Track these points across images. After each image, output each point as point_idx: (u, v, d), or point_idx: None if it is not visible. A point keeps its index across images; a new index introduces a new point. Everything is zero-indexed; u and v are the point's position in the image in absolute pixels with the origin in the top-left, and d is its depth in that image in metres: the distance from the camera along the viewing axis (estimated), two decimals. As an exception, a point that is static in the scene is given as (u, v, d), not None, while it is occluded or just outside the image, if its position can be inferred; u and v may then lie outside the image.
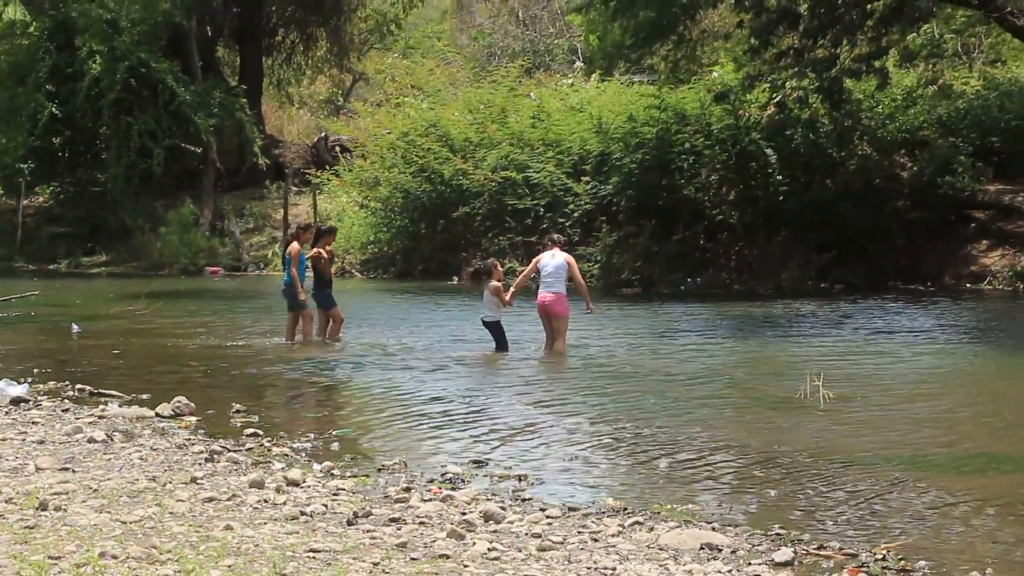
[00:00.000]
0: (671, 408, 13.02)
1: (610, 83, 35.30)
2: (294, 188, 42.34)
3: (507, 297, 17.64)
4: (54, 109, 40.42)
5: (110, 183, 40.81)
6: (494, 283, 17.65)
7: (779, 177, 29.15)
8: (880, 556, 7.32)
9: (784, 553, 7.31)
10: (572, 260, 17.72)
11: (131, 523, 7.62)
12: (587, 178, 31.71)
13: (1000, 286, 27.26)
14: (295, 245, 18.77)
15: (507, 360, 17.02)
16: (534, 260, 18.11)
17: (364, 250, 36.05)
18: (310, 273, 19.07)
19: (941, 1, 27.79)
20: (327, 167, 40.73)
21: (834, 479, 9.51)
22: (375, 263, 35.47)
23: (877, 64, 26.33)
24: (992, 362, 16.89)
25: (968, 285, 27.65)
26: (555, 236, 18.66)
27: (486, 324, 17.79)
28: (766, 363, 16.71)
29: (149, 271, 37.70)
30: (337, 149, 42.78)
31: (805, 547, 7.55)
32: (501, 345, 17.64)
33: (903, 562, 7.20)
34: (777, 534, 7.85)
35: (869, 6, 25.58)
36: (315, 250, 18.89)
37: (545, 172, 32.24)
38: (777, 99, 27.74)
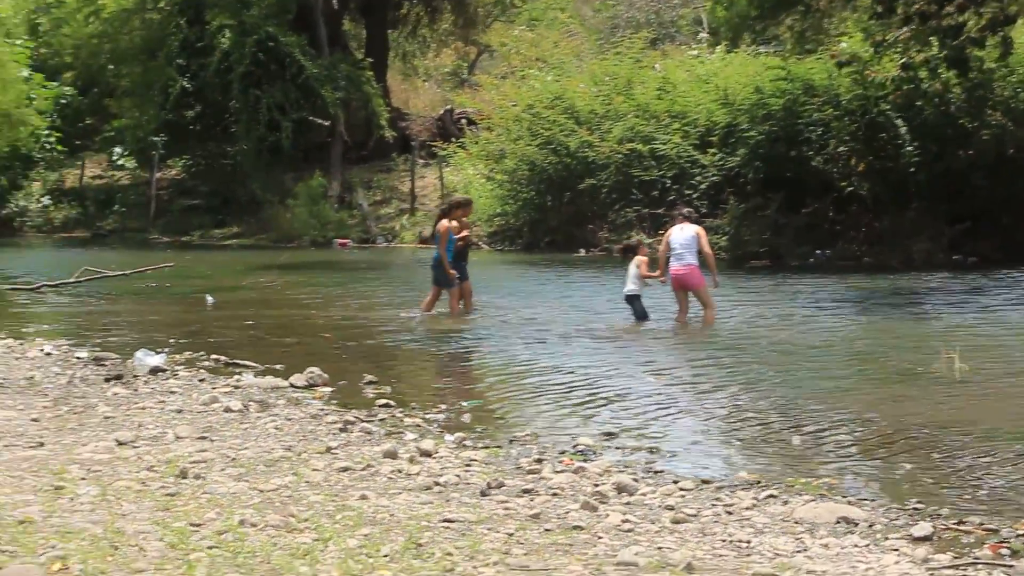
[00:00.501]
0: (802, 381, 12.92)
1: (736, 54, 34.98)
2: (420, 161, 42.55)
3: (655, 273, 17.73)
4: (185, 83, 41.03)
5: (240, 156, 41.40)
6: (639, 257, 17.78)
7: (910, 148, 28.69)
8: (1022, 532, 7.20)
9: (922, 527, 7.22)
10: (702, 231, 17.72)
11: (268, 492, 7.73)
12: (714, 150, 31.48)
13: None
14: (444, 223, 18.73)
15: (638, 333, 17.01)
16: (665, 235, 18.08)
17: (491, 222, 36.13)
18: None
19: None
20: (453, 140, 40.85)
21: (972, 453, 9.37)
22: (502, 235, 35.55)
23: (1002, 33, 25.77)
24: None
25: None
26: (684, 210, 18.66)
27: (627, 297, 17.83)
28: (899, 336, 16.49)
29: (279, 243, 38.14)
30: (463, 122, 42.90)
31: (944, 522, 7.44)
32: (640, 316, 17.71)
33: (1045, 538, 7.08)
34: (915, 508, 7.76)
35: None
36: (464, 233, 18.91)
37: (671, 144, 32.07)
38: (903, 61, 27.22)
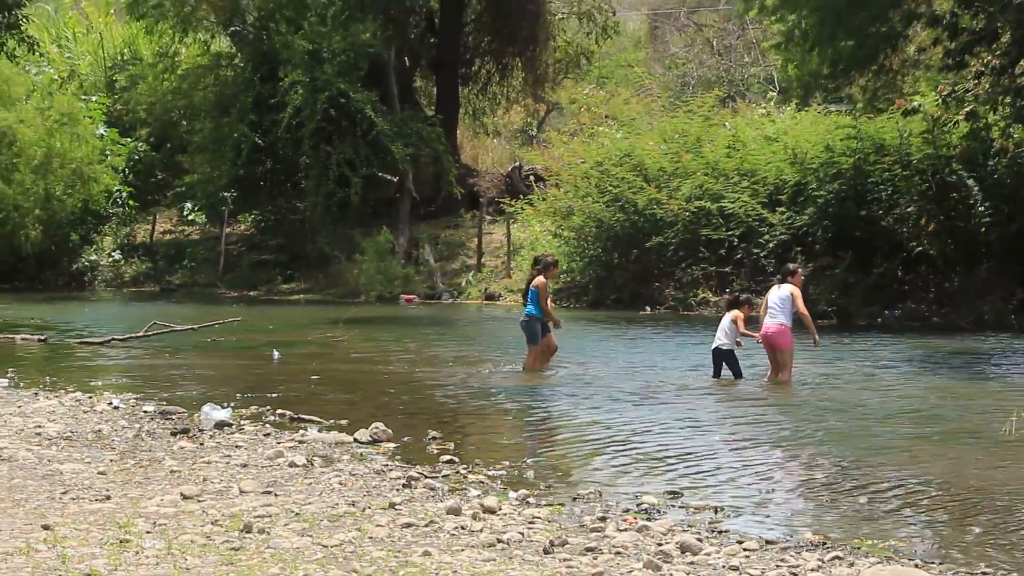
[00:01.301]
0: (869, 442, 12.81)
1: (806, 113, 34.92)
2: (488, 217, 42.67)
3: (753, 333, 17.79)
4: (257, 139, 41.43)
5: (309, 211, 41.63)
6: (736, 312, 17.87)
7: (981, 208, 28.48)
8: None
9: (990, 593, 7.13)
10: (796, 291, 17.59)
11: (332, 547, 7.75)
12: (782, 208, 31.37)
13: None
14: (542, 279, 18.89)
15: (705, 391, 16.94)
16: (767, 294, 18.10)
17: (557, 279, 36.10)
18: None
19: None
20: (521, 196, 40.93)
21: (1041, 519, 9.26)
22: (568, 292, 35.50)
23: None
24: None
25: None
26: (790, 266, 18.58)
27: (719, 351, 17.86)
28: (968, 398, 16.32)
29: (346, 298, 38.26)
30: (531, 178, 43.02)
31: (1012, 588, 7.36)
32: (722, 371, 17.84)
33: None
34: (983, 573, 7.66)
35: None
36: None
37: (740, 202, 31.98)
38: (968, 109, 27.07)
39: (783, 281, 17.82)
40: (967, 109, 27.11)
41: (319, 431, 13.06)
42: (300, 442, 12.23)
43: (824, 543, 8.43)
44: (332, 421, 13.75)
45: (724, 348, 17.83)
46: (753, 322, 18.28)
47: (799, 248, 30.39)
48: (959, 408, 15.39)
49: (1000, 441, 12.49)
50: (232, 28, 43.92)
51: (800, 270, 18.38)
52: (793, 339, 17.46)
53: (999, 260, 28.45)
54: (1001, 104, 26.69)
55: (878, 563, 7.83)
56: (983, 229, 28.38)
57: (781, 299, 17.49)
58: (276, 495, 9.46)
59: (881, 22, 29.15)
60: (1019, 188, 28.66)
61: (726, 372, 17.90)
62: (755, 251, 31.15)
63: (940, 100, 27.86)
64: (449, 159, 42.56)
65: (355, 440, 12.44)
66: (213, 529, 8.16)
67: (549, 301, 18.90)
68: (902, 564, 7.82)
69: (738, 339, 17.86)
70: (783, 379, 17.40)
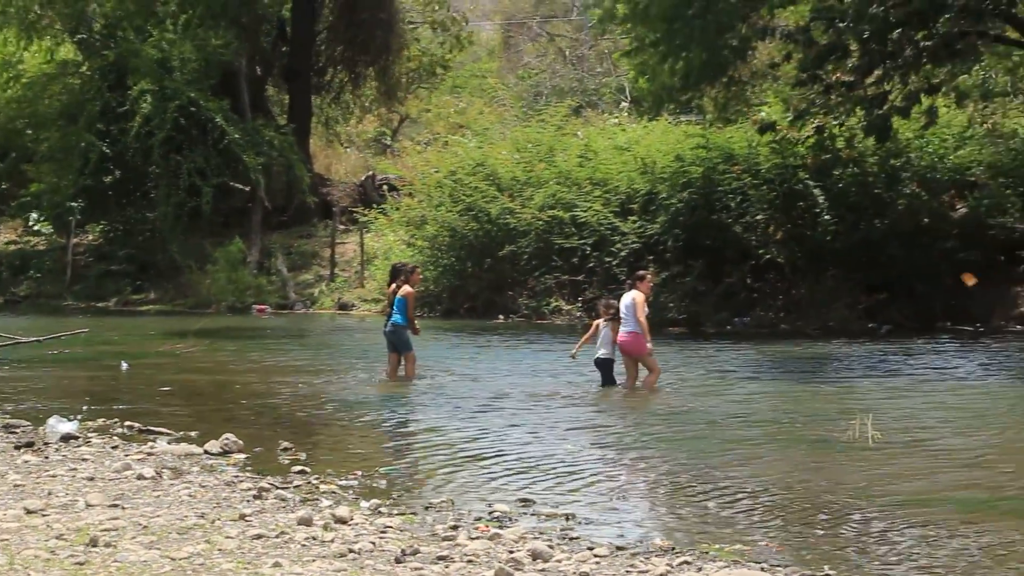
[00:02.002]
0: (718, 448, 12.98)
1: (657, 123, 35.30)
2: (341, 226, 42.46)
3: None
4: (105, 148, 40.77)
5: (159, 221, 41.07)
6: (615, 322, 17.82)
7: (827, 217, 29.05)
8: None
9: (833, 594, 7.27)
10: (639, 297, 17.67)
11: (180, 560, 7.66)
12: (634, 217, 31.66)
13: (1050, 327, 27.04)
14: (409, 288, 18.91)
15: (555, 398, 17.00)
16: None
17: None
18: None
19: (993, 41, 27.62)
20: (374, 205, 40.80)
21: (883, 521, 9.46)
22: (421, 301, 35.28)
23: (926, 102, 26.21)
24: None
25: (1018, 327, 27.41)
26: (639, 272, 18.72)
27: (598, 361, 17.92)
28: (814, 404, 16.61)
29: (197, 309, 37.84)
30: (384, 188, 42.86)
31: (854, 589, 7.51)
32: (608, 382, 17.83)
33: (954, 605, 7.15)
34: (826, 574, 7.81)
35: (922, 44, 25.38)
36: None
37: (592, 211, 32.21)
38: (816, 124, 27.59)
39: (632, 287, 17.96)
40: (815, 124, 27.62)
41: (168, 443, 12.91)
42: (149, 454, 12.07)
43: (673, 548, 8.53)
44: (182, 432, 13.59)
45: (603, 357, 17.91)
46: None
47: (651, 257, 30.67)
48: (805, 414, 15.65)
49: (845, 446, 12.72)
50: (79, 36, 43.20)
51: (649, 276, 18.54)
52: (646, 342, 17.59)
53: (844, 268, 29.02)
54: (850, 115, 27.18)
55: (725, 567, 7.94)
56: (829, 237, 28.96)
57: (626, 306, 17.64)
58: (124, 508, 9.32)
59: (730, 34, 29.53)
60: (863, 197, 29.30)
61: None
62: (607, 260, 31.37)
63: (791, 115, 28.34)
64: (302, 168, 42.30)
65: (205, 451, 12.31)
66: (58, 544, 8.02)
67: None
68: (748, 568, 7.93)
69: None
70: (650, 380, 17.56)
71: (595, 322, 18.29)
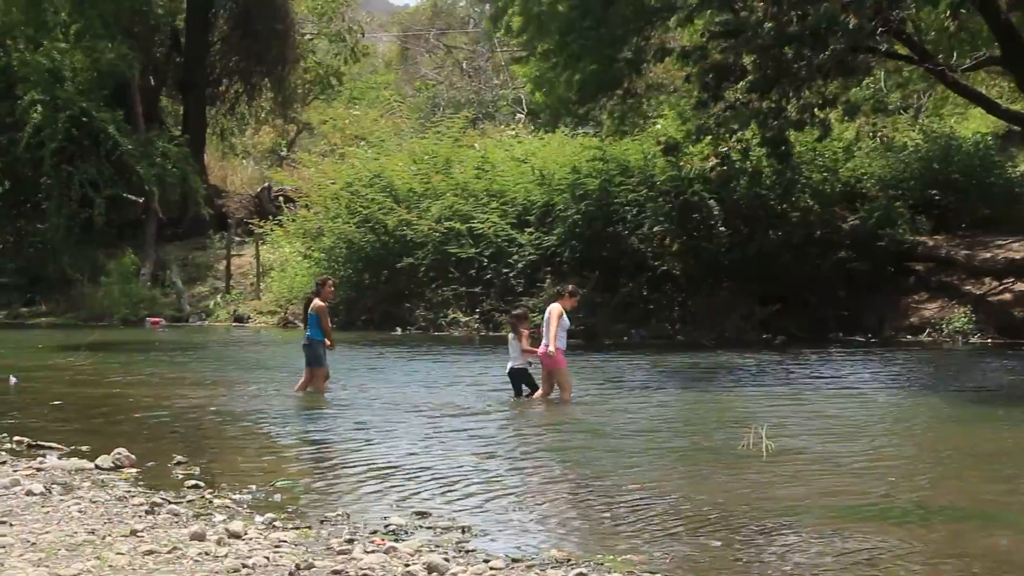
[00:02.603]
0: (613, 459, 13.01)
1: (554, 134, 35.42)
2: (237, 238, 42.20)
3: (535, 349, 17.85)
4: (-7, 159, 40.24)
5: (51, 233, 40.54)
6: (523, 330, 17.93)
7: (722, 228, 29.36)
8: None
9: (727, 604, 7.32)
10: (555, 310, 17.71)
11: (69, 577, 7.54)
12: (531, 229, 31.78)
13: (939, 338, 27.44)
14: (319, 302, 18.82)
15: (451, 410, 16.97)
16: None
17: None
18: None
19: (883, 56, 28.05)
20: (270, 217, 40.59)
21: (776, 530, 9.55)
22: (318, 313, 35.20)
23: (820, 115, 26.55)
24: (930, 413, 16.99)
25: (908, 337, 27.83)
26: (561, 287, 18.73)
27: (513, 371, 17.97)
28: (709, 414, 16.74)
29: (90, 321, 37.38)
30: (281, 199, 42.63)
31: (748, 598, 7.56)
32: (521, 390, 17.91)
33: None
34: (720, 586, 7.87)
35: (816, 61, 25.68)
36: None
37: (489, 223, 32.27)
38: (722, 150, 27.85)
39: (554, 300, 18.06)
40: (720, 150, 27.80)
41: (59, 458, 12.71)
42: (38, 469, 11.87)
43: (569, 560, 8.54)
44: (73, 447, 13.40)
45: (517, 367, 17.93)
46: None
47: (548, 268, 30.83)
48: (700, 424, 15.78)
49: (739, 456, 12.82)
50: (-33, 44, 42.54)
51: (571, 289, 18.50)
52: (563, 358, 17.64)
53: (739, 279, 29.32)
54: (747, 129, 27.42)
55: (620, 578, 7.97)
56: (724, 249, 29.25)
57: (545, 320, 17.69)
58: (11, 525, 9.16)
59: (625, 46, 29.69)
60: (757, 209, 29.62)
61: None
62: (505, 271, 31.47)
63: (687, 128, 28.57)
64: (196, 180, 42.04)
65: (96, 466, 12.14)
66: (-57, 562, 7.86)
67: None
68: (643, 578, 7.97)
69: (528, 359, 17.97)
70: (564, 398, 17.60)
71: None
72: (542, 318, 18.02)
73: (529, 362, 18.06)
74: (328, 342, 18.80)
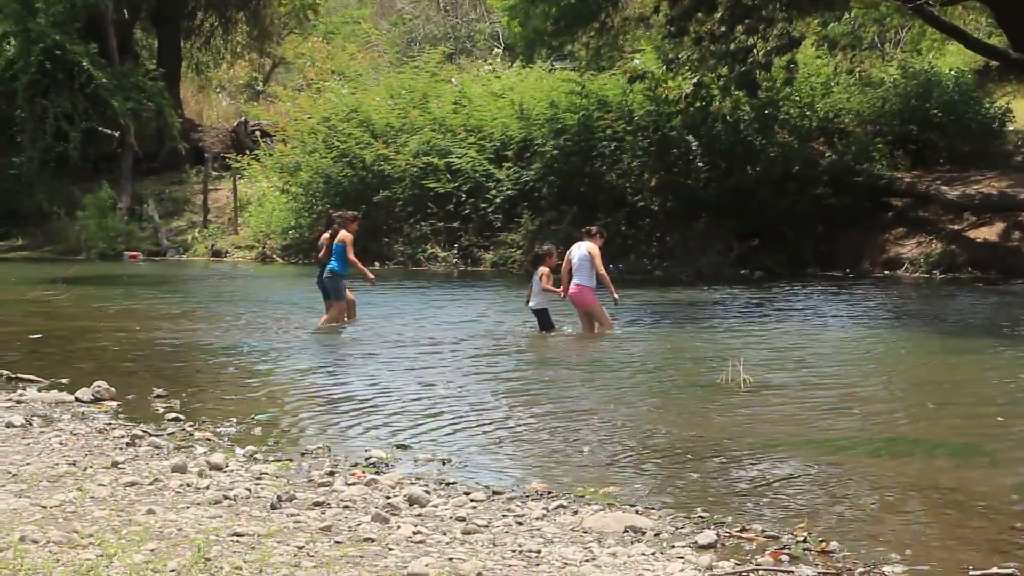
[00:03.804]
0: (592, 393, 13.06)
1: (532, 69, 35.30)
2: (214, 173, 42.01)
3: (558, 289, 17.90)
4: (-34, 92, 39.93)
5: (25, 167, 40.30)
6: (543, 269, 17.85)
7: (700, 164, 29.35)
8: (801, 538, 7.40)
9: (707, 536, 7.37)
10: (594, 250, 17.75)
11: (51, 508, 7.55)
12: (509, 164, 31.72)
13: (916, 273, 27.54)
14: (346, 233, 18.77)
15: (431, 344, 16.99)
16: (568, 252, 18.14)
17: (285, 235, 35.79)
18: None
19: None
20: (247, 152, 40.38)
21: (755, 463, 9.61)
22: (296, 248, 35.20)
23: (786, 58, 26.51)
24: (907, 348, 17.09)
25: (885, 272, 27.91)
26: (591, 228, 18.69)
27: (534, 311, 17.97)
28: (687, 349, 16.79)
29: (66, 255, 37.30)
30: (257, 134, 42.37)
31: (727, 530, 7.62)
32: (547, 327, 17.86)
33: (823, 544, 7.28)
34: (700, 517, 7.92)
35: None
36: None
37: (467, 158, 32.19)
38: (696, 80, 27.77)
39: (584, 239, 18.03)
40: (695, 80, 27.72)
41: (38, 390, 12.74)
42: (18, 402, 11.89)
43: (549, 492, 8.59)
44: (52, 380, 13.40)
45: (536, 308, 17.93)
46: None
47: (525, 203, 30.81)
48: (678, 358, 15.84)
49: (717, 390, 12.89)
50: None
51: (598, 231, 18.48)
52: (595, 295, 17.74)
53: (717, 215, 29.32)
54: (719, 67, 27.36)
55: (600, 510, 8.01)
56: (702, 185, 29.25)
57: (581, 258, 17.69)
58: (-8, 457, 9.18)
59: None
60: (736, 145, 29.59)
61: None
62: (483, 206, 31.43)
63: (664, 66, 28.49)
64: (172, 114, 41.81)
65: (76, 399, 12.14)
66: (-75, 494, 7.87)
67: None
68: (623, 510, 8.01)
69: (552, 298, 17.99)
70: (606, 332, 17.72)
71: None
72: (571, 256, 17.94)
73: (552, 301, 18.08)
74: (365, 274, 18.90)
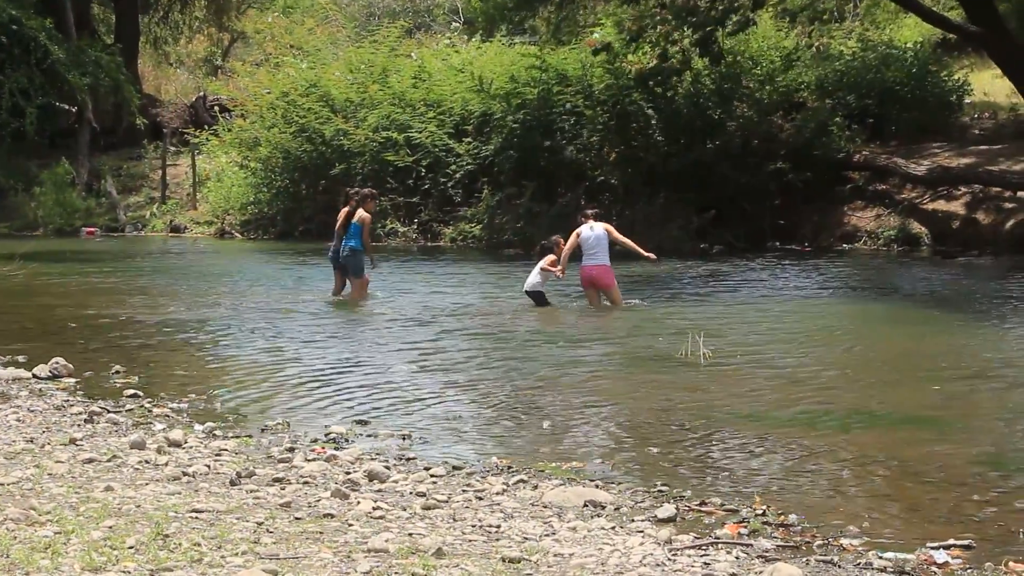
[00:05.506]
0: (553, 368, 13.08)
1: (491, 43, 35.20)
2: (172, 148, 41.74)
3: (557, 270, 18.08)
4: (-80, 67, 39.55)
5: (-19, 142, 40.00)
6: (551, 257, 18.10)
7: (660, 138, 29.36)
8: (760, 511, 7.44)
9: (666, 509, 7.41)
10: (610, 227, 18.29)
11: (9, 485, 7.51)
12: (469, 138, 31.66)
13: (874, 246, 27.68)
14: (364, 212, 18.92)
15: (394, 321, 16.98)
16: (573, 234, 18.24)
17: (244, 211, 35.63)
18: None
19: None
20: (206, 127, 40.15)
21: (714, 437, 9.66)
22: (256, 224, 35.06)
23: (741, 11, 26.49)
24: (866, 320, 17.19)
25: (844, 245, 28.04)
26: (588, 211, 18.85)
27: (528, 292, 18.18)
28: (647, 323, 16.81)
29: (23, 232, 37.05)
30: (216, 109, 42.09)
31: (687, 503, 7.67)
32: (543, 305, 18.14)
33: (782, 517, 7.33)
34: (659, 491, 7.96)
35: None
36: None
37: (427, 132, 32.11)
38: (660, 52, 27.73)
39: (590, 221, 18.16)
40: (659, 52, 27.66)
41: (-6, 368, 12.65)
42: (-26, 380, 11.81)
43: (509, 467, 8.61)
44: (9, 357, 13.31)
45: (532, 290, 18.17)
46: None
47: (485, 178, 30.76)
48: (639, 332, 15.87)
49: (677, 363, 12.93)
50: None
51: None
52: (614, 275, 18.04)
53: (677, 189, 29.32)
54: (681, 32, 27.32)
55: (560, 484, 8.04)
56: (661, 159, 29.26)
57: (597, 238, 17.84)
58: (-51, 435, 9.12)
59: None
60: (695, 118, 29.62)
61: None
62: (443, 180, 31.37)
63: (626, 36, 28.43)
64: (130, 89, 41.49)
65: (34, 376, 12.08)
66: None
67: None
68: (584, 485, 8.04)
69: (549, 276, 18.17)
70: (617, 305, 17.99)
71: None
72: (582, 238, 18.05)
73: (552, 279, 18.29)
74: (371, 256, 19.11)
